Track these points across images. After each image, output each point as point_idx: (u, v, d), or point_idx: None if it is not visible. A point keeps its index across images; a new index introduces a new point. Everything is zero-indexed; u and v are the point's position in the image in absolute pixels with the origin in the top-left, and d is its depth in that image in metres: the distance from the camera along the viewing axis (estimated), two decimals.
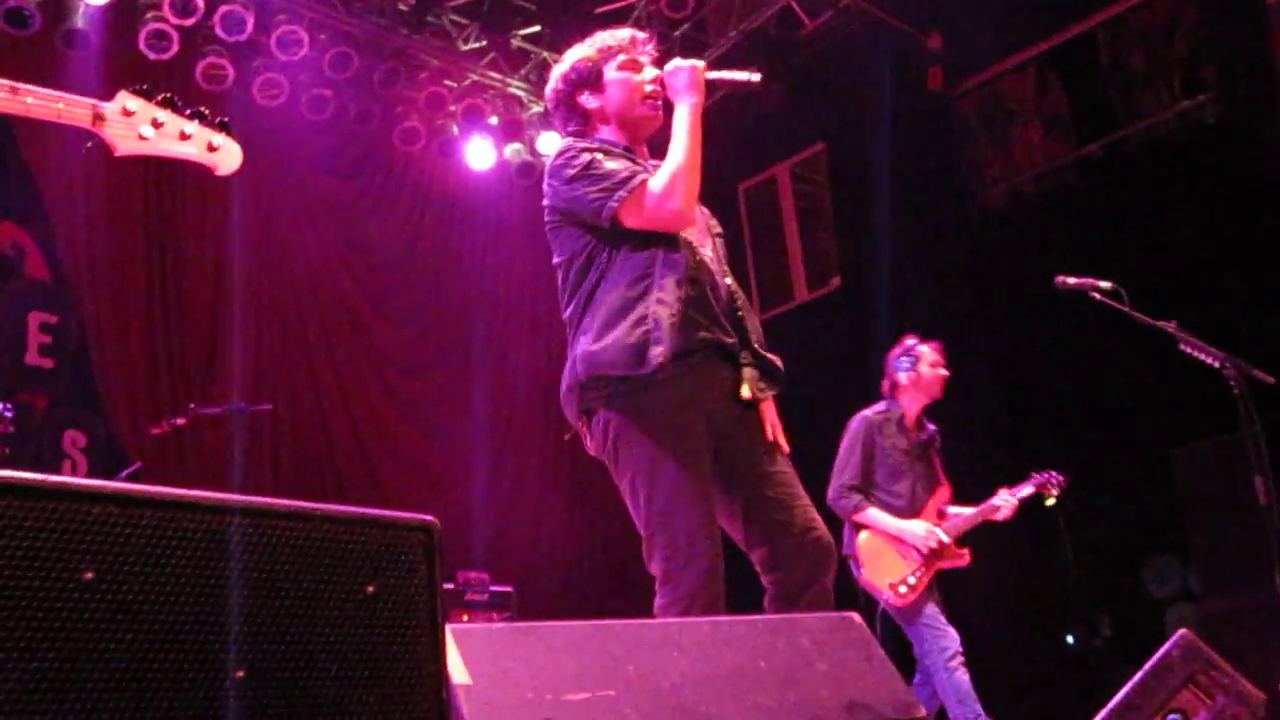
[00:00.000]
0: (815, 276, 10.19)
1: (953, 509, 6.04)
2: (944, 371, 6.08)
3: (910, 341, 6.17)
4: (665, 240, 3.36)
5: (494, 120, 9.48)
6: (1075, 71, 8.61)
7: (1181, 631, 3.42)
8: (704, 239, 3.54)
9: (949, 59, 9.10)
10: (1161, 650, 3.34)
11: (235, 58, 8.23)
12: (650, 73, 3.54)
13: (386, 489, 8.98)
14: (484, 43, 9.36)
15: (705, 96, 3.44)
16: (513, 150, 9.70)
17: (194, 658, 1.55)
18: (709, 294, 3.39)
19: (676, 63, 3.48)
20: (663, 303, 3.27)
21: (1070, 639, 8.02)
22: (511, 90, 9.58)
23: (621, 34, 3.63)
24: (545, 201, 3.54)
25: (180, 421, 6.68)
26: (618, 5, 9.36)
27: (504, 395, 9.89)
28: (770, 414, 3.48)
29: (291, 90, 8.52)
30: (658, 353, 3.19)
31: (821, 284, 10.12)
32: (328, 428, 8.91)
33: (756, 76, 3.49)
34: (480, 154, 9.47)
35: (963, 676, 5.44)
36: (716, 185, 5.67)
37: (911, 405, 6.07)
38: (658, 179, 3.31)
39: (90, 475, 7.84)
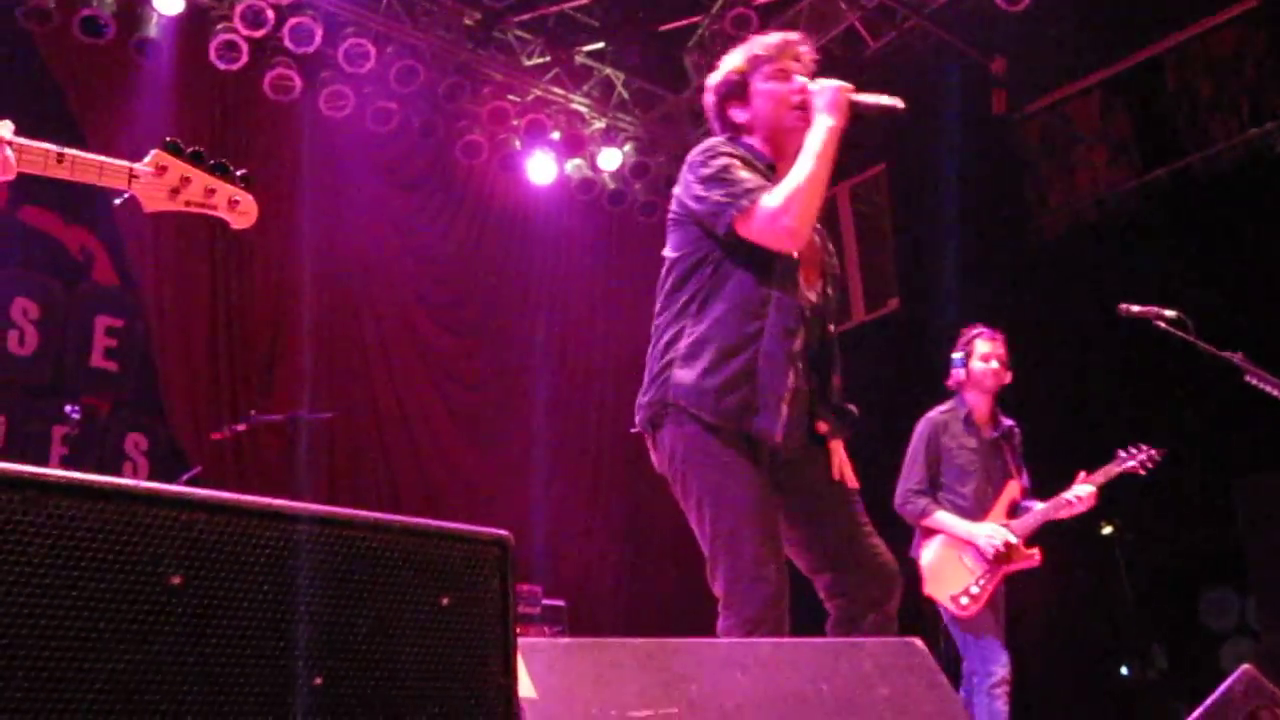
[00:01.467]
0: (873, 297, 10.16)
1: (1038, 504, 5.71)
2: (995, 365, 5.79)
3: (970, 333, 5.93)
4: (781, 277, 3.31)
5: (556, 135, 9.54)
6: (1141, 97, 8.53)
7: (1244, 667, 3.38)
8: (816, 278, 3.48)
9: (1013, 82, 9.04)
10: (1224, 685, 3.30)
11: (303, 69, 8.34)
12: (798, 82, 3.44)
13: (440, 498, 9.03)
14: (547, 58, 9.43)
15: (846, 119, 3.34)
16: (573, 166, 9.76)
17: (273, 663, 1.57)
18: (808, 342, 3.35)
19: (822, 82, 3.39)
20: (772, 361, 3.24)
21: (1124, 670, 7.92)
22: (574, 106, 9.64)
23: (772, 40, 3.53)
24: (675, 190, 3.49)
25: (241, 428, 6.76)
26: (681, 24, 9.40)
27: (560, 409, 9.92)
28: (840, 453, 3.45)
29: (357, 102, 8.63)
30: (760, 428, 3.21)
31: (879, 305, 10.08)
32: (384, 437, 8.98)
33: (900, 104, 3.40)
34: (541, 169, 9.53)
35: (1002, 707, 5.29)
36: None
37: (976, 401, 5.82)
38: (775, 193, 3.24)
39: (151, 478, 7.91)
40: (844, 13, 9.16)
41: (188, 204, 2.91)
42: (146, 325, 8.22)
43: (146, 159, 2.85)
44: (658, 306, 3.47)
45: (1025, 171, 9.10)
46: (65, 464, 7.76)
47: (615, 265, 10.14)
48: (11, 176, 2.67)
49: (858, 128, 3.47)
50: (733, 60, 3.55)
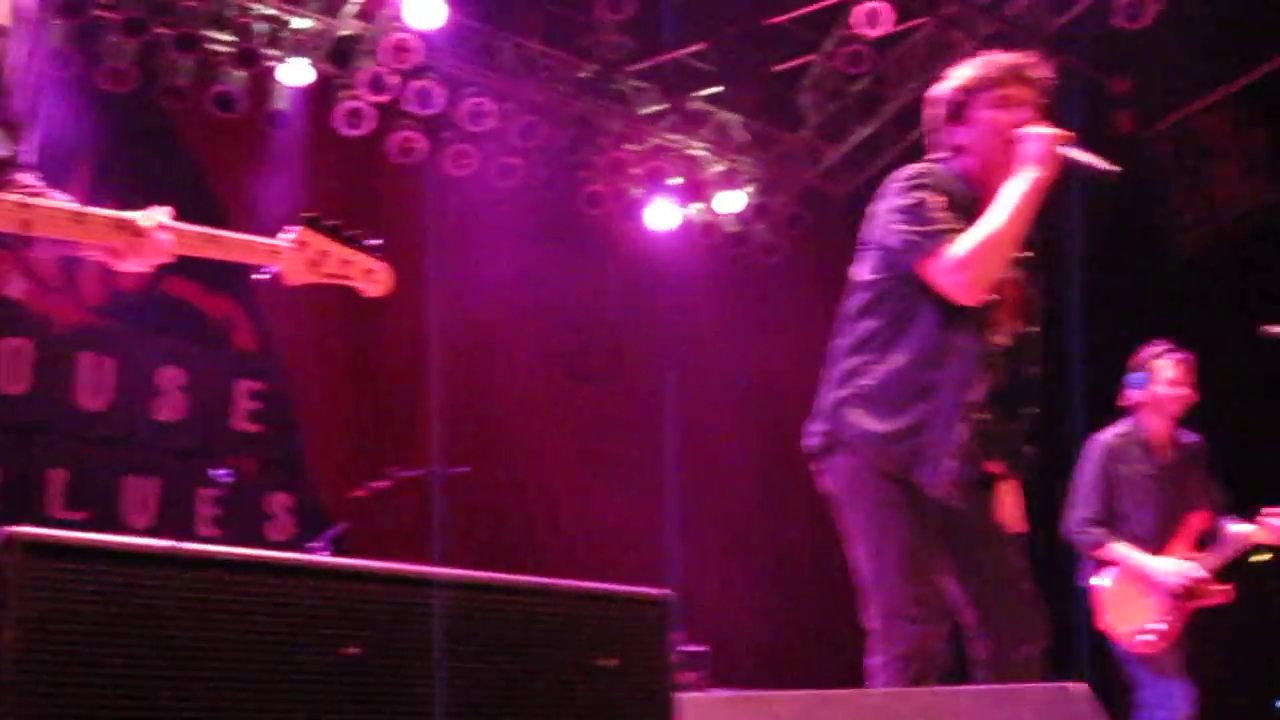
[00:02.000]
0: None
1: (1234, 526, 5.31)
2: (1184, 390, 5.40)
3: (1149, 352, 5.53)
4: (969, 321, 3.24)
5: (676, 181, 9.59)
6: (1275, 108, 8.30)
7: None
8: (1013, 319, 3.37)
9: (1140, 99, 8.86)
10: None
11: (427, 130, 8.52)
12: (1018, 117, 3.31)
13: (578, 548, 9.10)
14: (664, 105, 9.51)
15: (1053, 172, 3.23)
16: (694, 210, 9.80)
17: None
18: (994, 385, 3.28)
19: (1034, 129, 3.26)
20: (946, 415, 3.20)
21: (1278, 704, 7.63)
22: (692, 151, 9.69)
23: (1004, 61, 3.42)
24: (869, 209, 3.43)
25: (381, 484, 6.86)
26: (795, 64, 9.41)
27: (696, 454, 9.93)
28: (1010, 495, 3.40)
29: (481, 159, 8.78)
30: (924, 481, 3.20)
31: None
32: (521, 488, 9.08)
33: (1115, 168, 3.29)
34: (663, 215, 9.59)
35: None
36: None
37: (1155, 424, 5.43)
38: (961, 243, 3.15)
39: (296, 537, 8.15)
40: (961, 41, 9.06)
41: (328, 276, 2.99)
42: (287, 387, 8.45)
43: (288, 235, 2.93)
44: (839, 327, 3.43)
45: (1157, 189, 8.90)
46: (216, 525, 8.01)
47: (740, 307, 10.13)
48: (172, 260, 2.78)
49: None
50: (961, 75, 3.44)
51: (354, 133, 8.29)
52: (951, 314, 3.22)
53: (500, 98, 8.70)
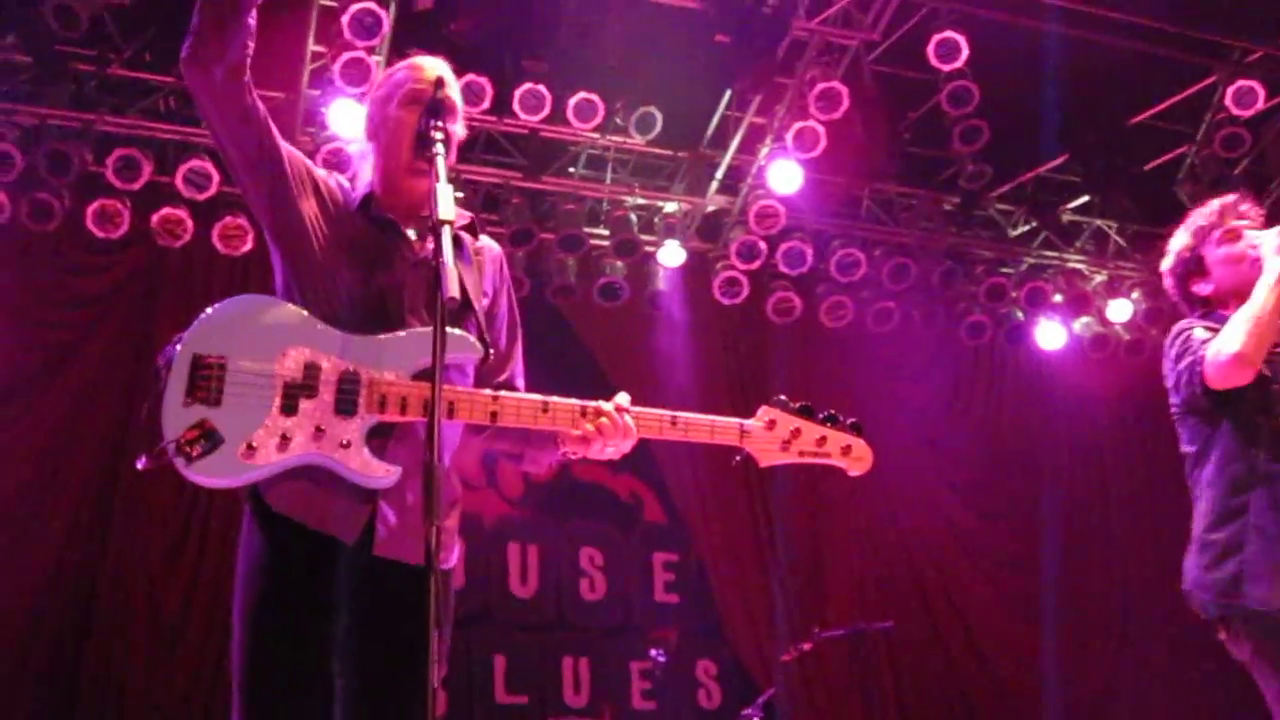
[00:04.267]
0: None
1: None
2: None
3: None
4: (1270, 440, 3.33)
5: (1058, 298, 9.31)
6: None
7: None
8: None
9: None
10: None
11: (800, 288, 8.69)
12: (1252, 236, 3.54)
13: (1005, 687, 8.77)
14: (1034, 224, 9.31)
15: None
16: (1082, 324, 9.46)
17: None
18: None
19: (1262, 233, 3.49)
20: (1261, 531, 3.26)
21: None
22: (1071, 265, 9.40)
23: (1211, 208, 3.67)
24: (1167, 383, 3.56)
25: (807, 646, 6.85)
26: (1167, 158, 9.02)
27: (1114, 581, 9.42)
28: None
29: (856, 308, 8.85)
30: (1256, 595, 3.23)
31: None
32: (939, 632, 8.85)
33: None
34: (1050, 334, 9.31)
35: None
36: None
37: None
38: (1225, 330, 3.33)
39: (724, 704, 8.25)
40: None
41: (801, 454, 2.98)
42: (699, 555, 8.66)
43: (756, 416, 2.96)
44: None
45: None
46: (647, 697, 8.22)
47: (1137, 422, 9.61)
48: (632, 443, 2.85)
49: None
50: (1180, 239, 3.72)
51: (731, 301, 8.57)
52: (1248, 441, 3.35)
53: (867, 245, 8.79)
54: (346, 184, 2.95)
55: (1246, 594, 3.21)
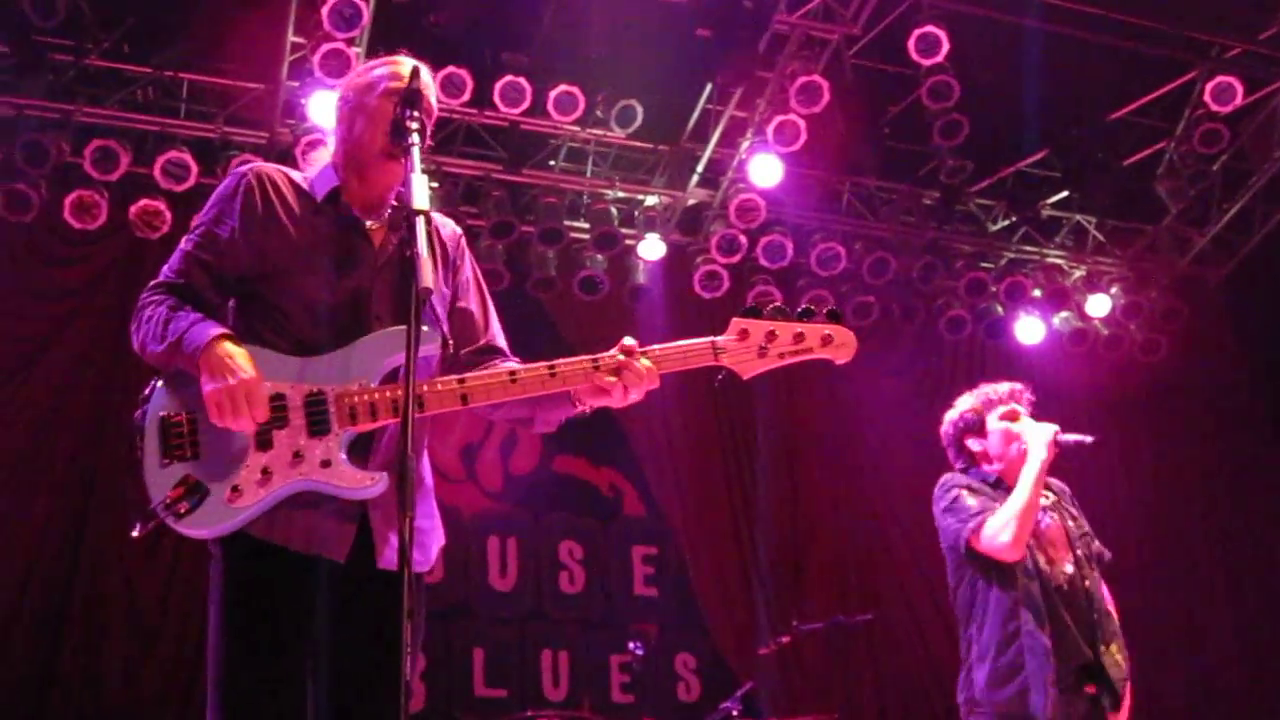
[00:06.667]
0: None
1: None
2: None
3: None
4: (1025, 575, 4.07)
5: (1038, 293, 9.34)
6: None
7: None
8: (1064, 553, 4.21)
9: None
10: None
11: (780, 283, 8.68)
12: (1024, 424, 4.30)
13: None
14: (1013, 219, 9.34)
15: (1052, 456, 4.13)
16: (1061, 319, 9.50)
17: None
18: (1067, 619, 4.05)
19: (1035, 426, 4.25)
20: (1034, 654, 3.96)
21: None
22: (1050, 260, 9.43)
23: (1003, 388, 4.47)
24: (936, 523, 4.34)
25: (785, 640, 6.86)
26: (1146, 154, 9.06)
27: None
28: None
29: (836, 302, 8.83)
30: (1038, 705, 3.89)
31: None
32: (922, 627, 8.85)
33: (1090, 439, 4.28)
34: (1029, 329, 9.34)
35: None
36: None
37: None
38: (995, 518, 4.08)
39: (703, 697, 8.24)
40: None
41: (781, 355, 2.89)
42: (679, 549, 8.65)
43: (728, 330, 2.88)
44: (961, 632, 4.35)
45: None
46: (628, 691, 8.21)
47: (1121, 415, 9.65)
48: (656, 383, 2.80)
49: None
50: (969, 401, 4.50)
51: (712, 295, 8.57)
52: (1008, 578, 4.17)
53: (847, 239, 8.79)
54: (299, 178, 2.93)
55: (1029, 705, 3.91)
